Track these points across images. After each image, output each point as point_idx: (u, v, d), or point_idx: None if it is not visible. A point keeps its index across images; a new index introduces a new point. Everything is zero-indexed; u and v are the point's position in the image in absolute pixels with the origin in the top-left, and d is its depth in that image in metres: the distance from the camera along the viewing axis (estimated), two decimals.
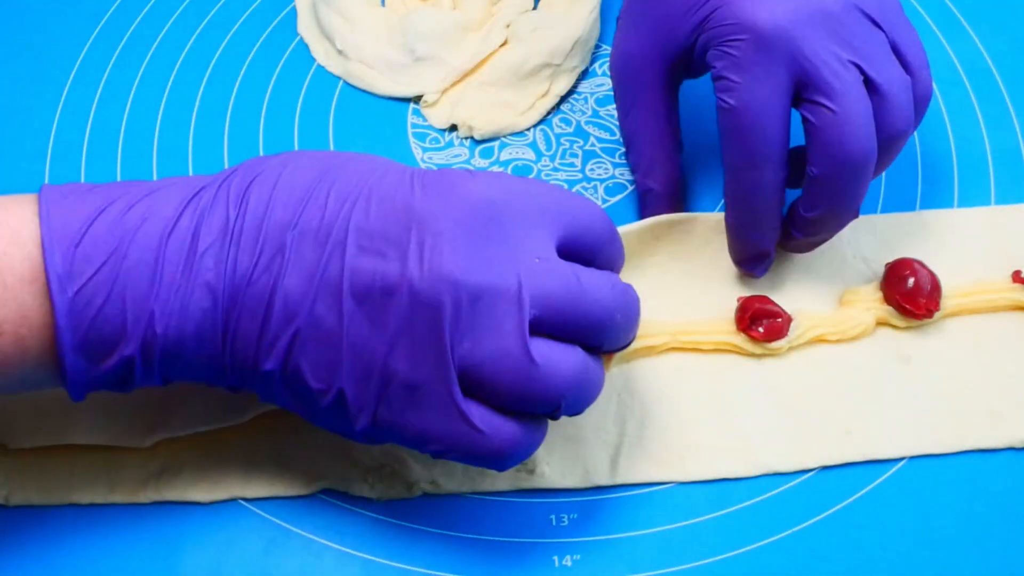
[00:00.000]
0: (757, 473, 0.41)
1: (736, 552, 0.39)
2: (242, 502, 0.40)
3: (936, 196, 0.48)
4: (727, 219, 0.43)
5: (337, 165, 0.35)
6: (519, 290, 0.33)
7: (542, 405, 0.34)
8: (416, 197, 0.34)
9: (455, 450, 0.34)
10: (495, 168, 0.49)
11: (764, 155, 0.40)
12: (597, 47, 0.53)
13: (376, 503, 0.40)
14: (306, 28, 0.54)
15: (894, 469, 0.41)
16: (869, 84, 0.40)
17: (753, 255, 0.43)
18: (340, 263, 0.33)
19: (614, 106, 0.51)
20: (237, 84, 0.52)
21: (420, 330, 0.33)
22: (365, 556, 0.39)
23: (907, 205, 0.48)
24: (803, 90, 0.40)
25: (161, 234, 0.33)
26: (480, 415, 0.34)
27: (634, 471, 0.41)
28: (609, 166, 0.50)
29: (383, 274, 0.33)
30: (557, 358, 0.34)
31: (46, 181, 0.49)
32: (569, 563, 0.39)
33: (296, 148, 0.50)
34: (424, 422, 0.34)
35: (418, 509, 0.40)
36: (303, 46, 0.54)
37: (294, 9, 0.55)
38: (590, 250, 0.36)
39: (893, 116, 0.40)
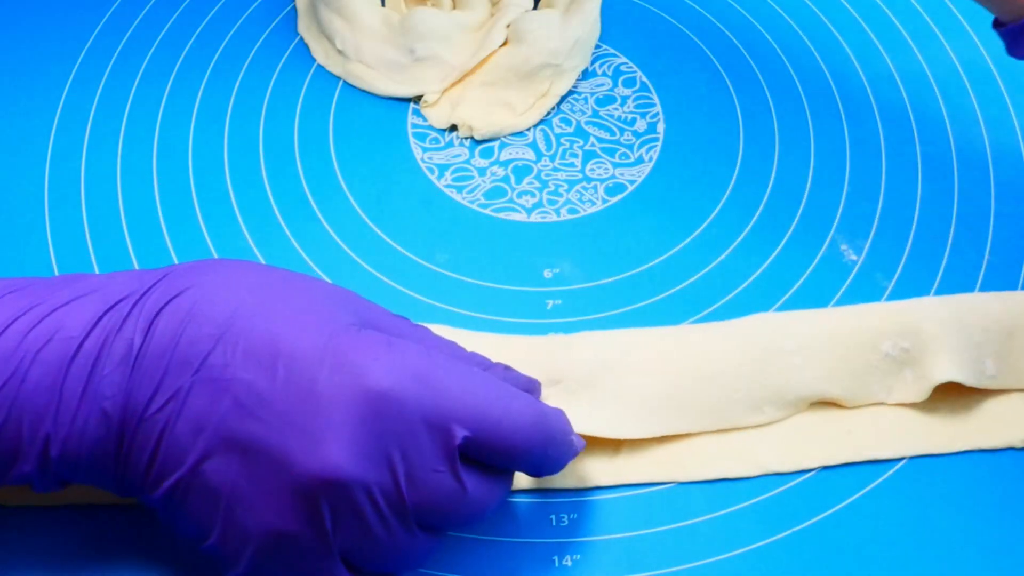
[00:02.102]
0: (757, 473, 0.41)
1: (736, 552, 0.39)
2: None
3: (936, 196, 0.48)
4: None
5: (259, 302, 0.34)
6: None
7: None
8: (323, 380, 0.32)
9: None
10: (495, 168, 0.49)
11: None
12: (597, 47, 0.53)
13: None
14: (306, 28, 0.54)
15: (894, 469, 0.41)
16: None
17: None
18: (233, 426, 0.32)
19: (614, 106, 0.51)
20: (237, 84, 0.52)
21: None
22: None
23: (906, 205, 0.48)
24: None
25: (63, 358, 0.33)
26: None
27: (634, 471, 0.41)
28: (609, 166, 0.50)
29: (276, 451, 0.32)
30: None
31: (46, 181, 0.49)
32: (569, 563, 0.39)
33: (296, 149, 0.50)
34: None
35: None
36: (303, 46, 0.54)
37: (294, 9, 0.55)
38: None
39: None
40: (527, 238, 0.47)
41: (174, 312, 0.33)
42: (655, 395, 0.41)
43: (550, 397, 0.41)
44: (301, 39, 0.54)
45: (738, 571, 0.39)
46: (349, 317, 0.35)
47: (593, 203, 0.48)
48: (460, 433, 0.33)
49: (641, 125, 0.51)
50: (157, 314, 0.33)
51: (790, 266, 0.46)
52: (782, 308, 0.45)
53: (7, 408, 0.32)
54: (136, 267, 0.46)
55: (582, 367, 0.41)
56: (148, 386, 0.33)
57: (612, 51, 0.54)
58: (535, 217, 0.48)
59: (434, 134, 0.51)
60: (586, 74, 0.53)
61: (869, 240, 0.47)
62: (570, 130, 0.51)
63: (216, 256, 0.46)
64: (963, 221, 0.48)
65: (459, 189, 0.49)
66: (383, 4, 0.55)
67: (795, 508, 0.40)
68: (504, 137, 0.51)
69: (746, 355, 0.42)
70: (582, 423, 0.41)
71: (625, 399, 0.41)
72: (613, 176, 0.49)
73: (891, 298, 0.45)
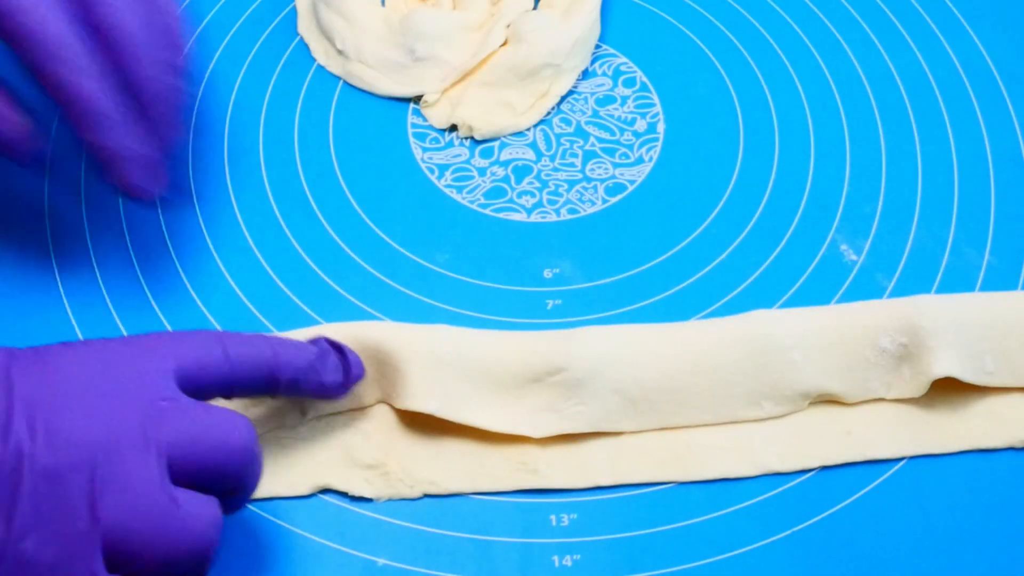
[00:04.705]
0: (757, 473, 0.41)
1: (736, 552, 0.39)
2: None
3: (936, 196, 0.48)
4: (87, 141, 0.39)
5: None
6: (148, 437, 0.32)
7: (188, 560, 0.33)
8: (14, 375, 0.33)
9: None
10: (495, 168, 0.49)
11: (57, 35, 0.38)
12: (597, 47, 0.53)
13: (376, 503, 0.40)
14: (306, 28, 0.54)
15: (894, 469, 0.41)
16: None
17: (129, 159, 0.40)
18: None
19: (614, 106, 0.51)
20: (237, 84, 0.52)
21: (50, 506, 0.31)
22: (365, 556, 0.39)
23: (906, 205, 0.48)
24: None
25: None
26: None
27: (634, 471, 0.41)
28: (609, 166, 0.50)
29: None
30: (199, 508, 0.33)
31: (46, 181, 0.49)
32: (569, 563, 0.39)
33: (296, 149, 0.50)
34: None
35: (418, 509, 0.40)
36: (303, 46, 0.54)
37: (294, 9, 0.55)
38: (211, 379, 0.35)
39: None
40: (527, 238, 0.47)
41: None
42: (654, 389, 0.41)
43: (550, 387, 0.41)
44: (301, 39, 0.54)
45: (738, 571, 0.39)
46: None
47: (593, 203, 0.48)
48: (172, 368, 0.34)
49: (641, 125, 0.51)
50: None
51: (790, 266, 0.46)
52: (782, 308, 0.45)
53: None
54: (137, 268, 0.46)
55: (582, 360, 0.41)
56: None
57: (612, 51, 0.54)
58: (535, 217, 0.48)
59: (434, 134, 0.51)
60: (586, 74, 0.53)
61: (869, 240, 0.47)
62: (570, 130, 0.51)
63: (215, 255, 0.46)
64: (963, 221, 0.48)
65: (459, 189, 0.49)
66: (383, 4, 0.55)
67: (795, 508, 0.40)
68: (504, 137, 0.50)
69: (745, 350, 0.42)
70: (581, 419, 0.41)
71: (625, 392, 0.41)
72: (613, 176, 0.49)
73: (891, 298, 0.45)
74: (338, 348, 0.40)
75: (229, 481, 0.34)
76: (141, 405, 0.33)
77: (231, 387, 0.36)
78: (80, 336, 0.44)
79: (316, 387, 0.38)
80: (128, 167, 0.40)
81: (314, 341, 0.39)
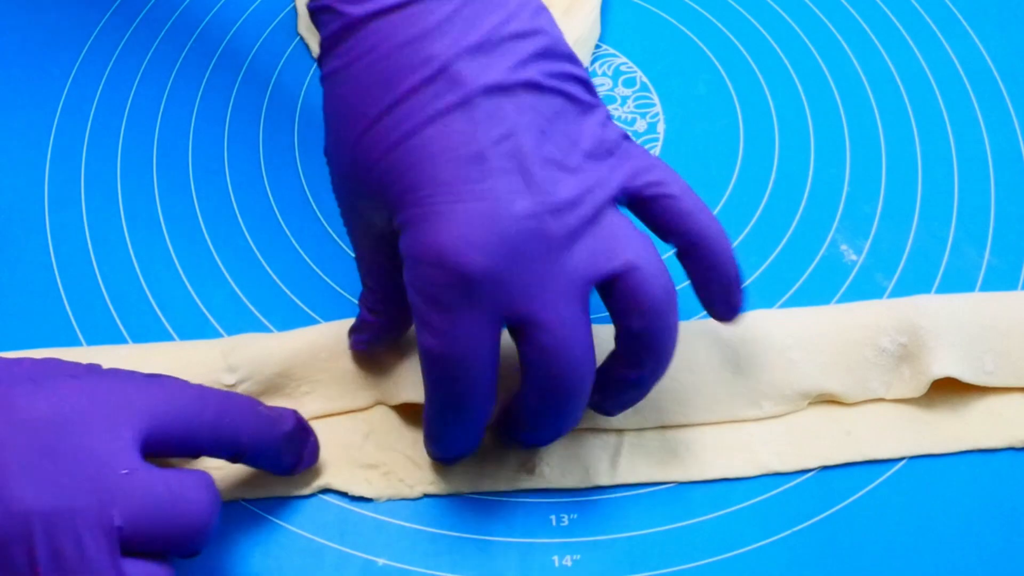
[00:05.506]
0: (757, 473, 0.41)
1: (736, 552, 0.39)
2: (242, 502, 0.40)
3: (936, 196, 0.48)
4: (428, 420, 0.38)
5: None
6: (100, 511, 0.31)
7: None
8: None
9: None
10: None
11: (477, 394, 0.36)
12: (597, 47, 0.53)
13: (376, 503, 0.40)
14: (306, 28, 0.54)
15: (894, 469, 0.41)
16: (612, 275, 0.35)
17: (457, 456, 0.40)
18: None
19: (614, 106, 0.51)
20: (237, 84, 0.52)
21: None
22: (365, 556, 0.39)
23: (906, 205, 0.48)
24: (513, 319, 0.35)
25: None
26: None
27: (634, 471, 0.41)
28: None
29: None
30: None
31: (45, 181, 0.49)
32: (569, 563, 0.39)
33: (296, 148, 0.50)
34: None
35: (418, 509, 0.40)
36: (303, 46, 0.54)
37: (294, 9, 0.55)
38: (183, 434, 0.35)
39: (645, 294, 0.36)
40: None
41: None
42: (655, 388, 0.41)
43: None
44: (301, 39, 0.54)
45: (738, 571, 0.39)
46: None
47: None
48: (139, 430, 0.33)
49: (641, 125, 0.51)
50: None
51: (790, 266, 0.46)
52: (782, 308, 0.45)
53: None
54: (137, 267, 0.46)
55: None
56: None
57: (612, 51, 0.54)
58: None
59: None
60: None
61: (869, 240, 0.47)
62: None
63: (215, 255, 0.46)
64: (963, 221, 0.48)
65: None
66: None
67: (795, 508, 0.40)
68: None
69: (745, 349, 0.42)
70: (582, 418, 0.41)
71: None
72: None
73: (891, 298, 0.45)
74: (305, 430, 0.39)
75: (184, 548, 0.33)
76: (100, 475, 0.32)
77: (196, 455, 0.36)
78: (81, 338, 0.44)
79: (271, 466, 0.39)
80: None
81: (285, 415, 0.39)
